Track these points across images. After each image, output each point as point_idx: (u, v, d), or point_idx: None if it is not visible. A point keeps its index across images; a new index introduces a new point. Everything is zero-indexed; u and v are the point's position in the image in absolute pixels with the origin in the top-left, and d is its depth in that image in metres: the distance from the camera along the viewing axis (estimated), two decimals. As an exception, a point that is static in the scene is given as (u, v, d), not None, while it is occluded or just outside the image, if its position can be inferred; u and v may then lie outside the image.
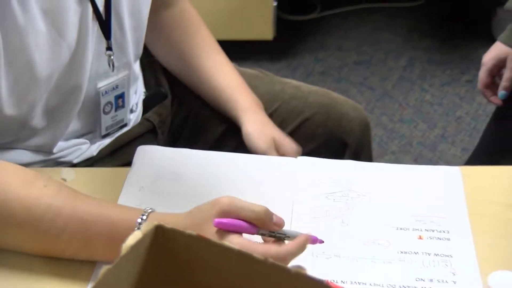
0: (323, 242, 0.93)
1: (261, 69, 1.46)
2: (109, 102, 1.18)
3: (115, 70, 1.16)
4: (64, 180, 1.07)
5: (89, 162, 1.19)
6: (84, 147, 1.19)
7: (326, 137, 1.34)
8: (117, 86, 1.18)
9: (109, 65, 1.15)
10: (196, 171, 1.12)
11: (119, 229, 0.91)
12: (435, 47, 2.71)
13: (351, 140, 1.33)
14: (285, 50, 2.66)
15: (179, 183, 1.10)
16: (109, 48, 1.13)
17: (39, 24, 0.98)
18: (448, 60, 2.65)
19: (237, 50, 2.46)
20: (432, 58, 2.66)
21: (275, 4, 2.43)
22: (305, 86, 1.41)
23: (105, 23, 1.11)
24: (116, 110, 1.21)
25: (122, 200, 1.04)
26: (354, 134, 1.34)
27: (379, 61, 2.65)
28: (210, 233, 0.87)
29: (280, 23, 2.58)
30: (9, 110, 1.01)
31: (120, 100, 1.20)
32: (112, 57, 1.14)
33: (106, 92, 1.17)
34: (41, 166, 1.13)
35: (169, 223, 0.81)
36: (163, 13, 1.33)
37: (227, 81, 1.29)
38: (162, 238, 0.57)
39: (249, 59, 2.56)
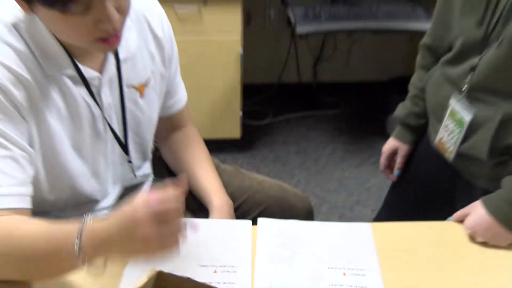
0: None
1: (237, 167, 1.39)
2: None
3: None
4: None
5: None
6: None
7: None
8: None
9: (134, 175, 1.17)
10: None
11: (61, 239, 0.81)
12: (350, 140, 2.75)
13: None
14: (248, 144, 2.67)
15: None
16: (130, 161, 1.14)
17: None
18: (359, 148, 2.68)
19: (216, 145, 2.47)
20: (348, 147, 2.69)
21: (241, 114, 2.44)
22: (267, 182, 1.35)
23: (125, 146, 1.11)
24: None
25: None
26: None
27: (312, 150, 2.66)
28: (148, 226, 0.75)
29: (245, 126, 2.60)
30: (48, 195, 1.00)
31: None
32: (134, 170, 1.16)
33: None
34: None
35: (102, 231, 0.78)
36: (172, 134, 1.29)
37: (209, 185, 1.22)
38: (160, 279, 0.54)
39: (224, 151, 2.57)
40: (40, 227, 0.84)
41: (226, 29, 2.20)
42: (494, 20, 1.02)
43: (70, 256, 0.78)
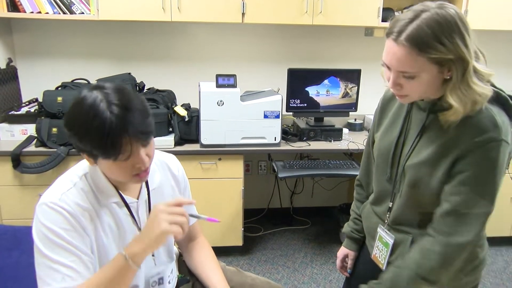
0: (219, 221, 0.96)
1: (238, 268, 1.29)
2: (154, 281, 1.08)
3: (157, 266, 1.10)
4: None
5: None
6: None
7: None
8: (159, 273, 1.10)
9: (154, 263, 1.09)
10: None
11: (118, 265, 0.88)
12: (316, 246, 2.67)
13: None
14: (247, 250, 2.60)
15: None
16: (153, 255, 1.08)
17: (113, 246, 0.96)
18: (322, 252, 2.60)
19: (226, 250, 2.39)
20: (315, 251, 2.61)
21: (242, 229, 2.40)
22: (258, 279, 1.25)
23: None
24: (158, 285, 1.10)
25: None
26: None
27: (290, 254, 2.58)
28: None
29: (245, 237, 2.54)
30: None
31: (160, 279, 1.10)
32: (155, 261, 1.09)
33: (152, 277, 1.08)
34: None
35: (139, 248, 0.88)
36: (189, 243, 1.23)
37: (216, 280, 1.13)
38: None
39: (230, 254, 2.49)
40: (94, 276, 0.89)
41: (233, 174, 2.24)
42: (397, 178, 1.04)
43: (127, 267, 0.86)
